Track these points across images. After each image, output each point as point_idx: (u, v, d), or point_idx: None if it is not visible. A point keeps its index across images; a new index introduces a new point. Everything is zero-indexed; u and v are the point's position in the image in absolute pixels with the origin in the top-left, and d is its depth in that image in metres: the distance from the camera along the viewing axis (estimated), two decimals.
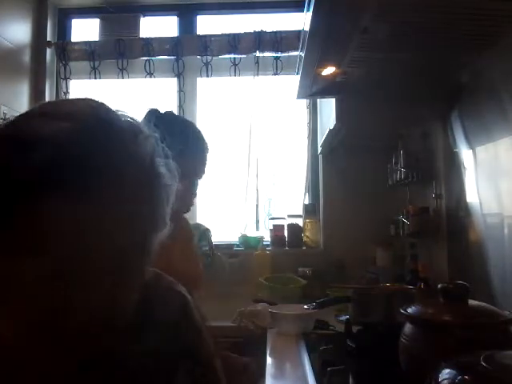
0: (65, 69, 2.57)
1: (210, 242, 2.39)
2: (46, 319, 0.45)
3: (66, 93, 2.58)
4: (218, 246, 2.42)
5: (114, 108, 0.53)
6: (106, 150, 0.46)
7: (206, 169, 1.41)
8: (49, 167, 0.43)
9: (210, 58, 2.55)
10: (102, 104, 0.53)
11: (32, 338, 0.46)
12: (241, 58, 2.55)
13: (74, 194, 0.43)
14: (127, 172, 0.48)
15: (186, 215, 1.43)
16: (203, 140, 1.39)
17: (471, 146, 1.47)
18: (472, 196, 1.46)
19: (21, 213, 0.42)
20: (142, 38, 2.57)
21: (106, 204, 0.45)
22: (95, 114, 0.49)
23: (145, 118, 1.26)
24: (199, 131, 1.42)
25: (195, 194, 1.40)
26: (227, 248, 2.47)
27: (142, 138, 0.51)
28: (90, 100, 0.53)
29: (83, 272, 0.45)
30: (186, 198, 1.36)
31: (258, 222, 2.60)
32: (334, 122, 1.75)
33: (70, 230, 0.43)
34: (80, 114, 0.48)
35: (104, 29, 2.62)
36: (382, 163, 1.99)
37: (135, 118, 0.54)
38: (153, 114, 1.28)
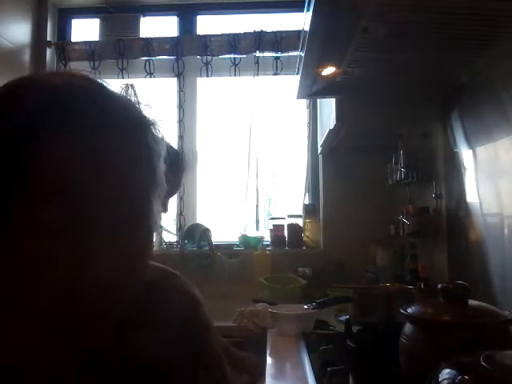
0: (65, 69, 2.57)
1: (210, 242, 2.40)
2: (57, 305, 0.42)
3: None
4: (217, 246, 2.43)
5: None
6: (97, 99, 0.47)
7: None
8: (41, 111, 0.43)
9: (210, 58, 2.55)
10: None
11: (40, 333, 0.43)
12: (241, 58, 2.55)
13: (72, 138, 0.43)
14: (117, 114, 0.47)
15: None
16: (182, 161, 1.45)
17: (471, 146, 1.47)
18: (472, 196, 1.46)
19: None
20: (142, 38, 2.57)
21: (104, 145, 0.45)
22: (86, 75, 0.50)
23: None
24: (179, 153, 1.48)
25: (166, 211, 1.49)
26: (227, 248, 2.47)
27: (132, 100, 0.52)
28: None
29: (96, 226, 0.43)
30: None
31: (257, 221, 2.60)
32: (334, 122, 1.75)
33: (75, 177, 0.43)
34: (68, 75, 0.50)
35: (104, 29, 2.62)
36: (381, 163, 1.99)
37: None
38: None
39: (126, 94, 0.51)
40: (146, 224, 0.49)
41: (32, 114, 0.43)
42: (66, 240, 0.42)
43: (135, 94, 0.53)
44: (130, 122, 0.48)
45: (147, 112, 0.53)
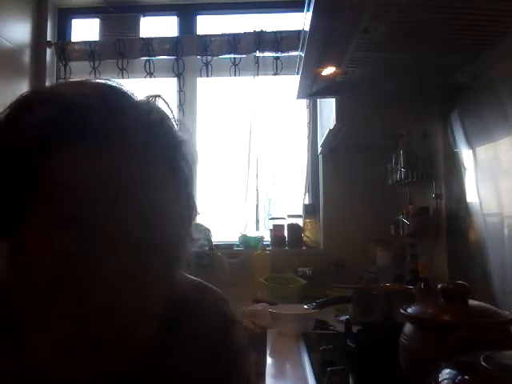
0: (65, 69, 2.57)
1: (210, 242, 2.39)
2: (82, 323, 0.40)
3: None
4: (217, 246, 2.42)
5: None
6: (119, 110, 0.43)
7: None
8: (53, 128, 0.41)
9: (210, 58, 2.55)
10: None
11: (66, 351, 0.42)
12: (241, 58, 2.55)
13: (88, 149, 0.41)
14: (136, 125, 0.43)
15: None
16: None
17: (471, 146, 1.47)
18: (472, 196, 1.46)
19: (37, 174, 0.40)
20: (142, 38, 2.57)
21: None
22: (108, 84, 0.46)
23: None
24: None
25: None
26: (227, 248, 2.46)
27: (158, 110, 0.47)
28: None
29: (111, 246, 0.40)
30: None
31: (257, 221, 2.60)
32: (334, 122, 1.75)
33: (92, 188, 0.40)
34: (86, 86, 0.46)
35: (104, 29, 2.62)
36: (381, 163, 1.99)
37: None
38: None
39: (154, 105, 0.47)
40: (168, 250, 0.45)
41: (42, 131, 0.41)
42: (74, 266, 0.40)
43: (168, 106, 0.48)
44: (154, 141, 0.44)
45: (179, 127, 0.48)
